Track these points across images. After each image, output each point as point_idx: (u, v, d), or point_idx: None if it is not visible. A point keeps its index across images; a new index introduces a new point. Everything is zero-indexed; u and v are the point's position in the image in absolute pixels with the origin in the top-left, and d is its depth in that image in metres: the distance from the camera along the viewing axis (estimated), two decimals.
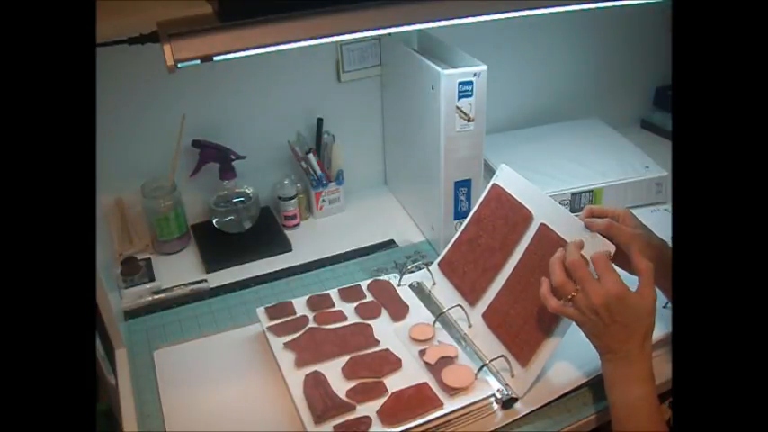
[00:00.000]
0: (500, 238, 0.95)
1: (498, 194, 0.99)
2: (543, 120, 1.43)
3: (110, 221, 1.16)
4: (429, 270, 1.01)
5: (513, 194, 0.97)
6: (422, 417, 0.77)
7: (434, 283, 1.00)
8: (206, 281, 1.07)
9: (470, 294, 0.94)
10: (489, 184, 1.01)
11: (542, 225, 0.90)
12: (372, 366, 0.85)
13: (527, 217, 0.93)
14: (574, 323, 0.78)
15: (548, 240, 0.88)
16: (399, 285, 1.01)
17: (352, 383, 0.83)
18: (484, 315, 0.91)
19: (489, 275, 0.94)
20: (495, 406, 0.81)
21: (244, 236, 1.19)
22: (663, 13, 1.30)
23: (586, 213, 0.84)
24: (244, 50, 0.74)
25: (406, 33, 1.12)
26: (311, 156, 1.19)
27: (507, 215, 0.96)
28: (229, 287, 1.06)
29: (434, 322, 0.92)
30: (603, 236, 0.79)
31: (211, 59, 0.72)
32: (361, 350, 0.88)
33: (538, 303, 0.84)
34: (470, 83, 0.96)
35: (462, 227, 1.02)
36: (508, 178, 0.98)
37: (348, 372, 0.84)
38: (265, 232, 1.20)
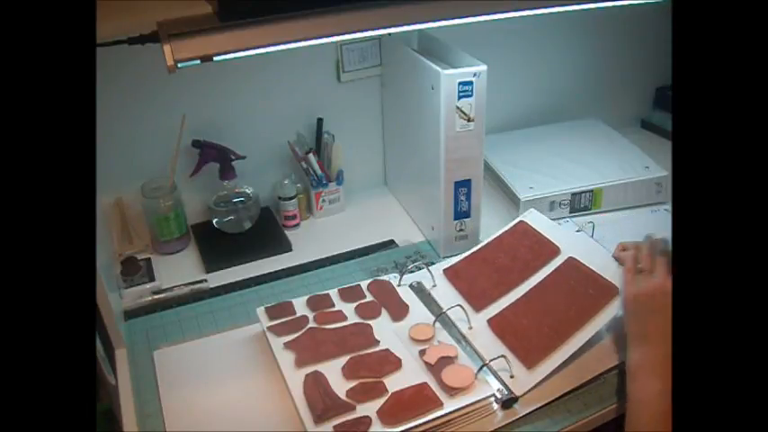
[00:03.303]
0: (521, 262, 0.99)
1: (525, 229, 1.04)
2: (543, 120, 1.43)
3: (110, 221, 1.16)
4: (429, 270, 1.01)
5: (540, 231, 1.02)
6: (422, 417, 0.77)
7: (434, 285, 1.00)
8: (206, 281, 1.07)
9: (478, 301, 0.95)
10: (516, 220, 1.06)
11: (570, 257, 0.95)
12: (372, 366, 0.85)
13: (554, 251, 0.98)
14: (591, 337, 0.83)
15: (575, 270, 0.93)
16: (399, 285, 1.01)
17: (352, 383, 0.83)
18: (490, 321, 0.92)
19: (502, 289, 0.96)
20: (495, 406, 0.81)
21: (244, 236, 1.19)
22: (663, 13, 1.31)
23: (619, 248, 0.91)
24: (244, 50, 0.74)
25: (406, 33, 1.12)
26: (311, 156, 1.19)
27: (533, 246, 1.01)
28: (229, 287, 1.06)
29: (434, 322, 0.92)
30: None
31: (211, 59, 0.72)
32: (361, 350, 0.88)
33: (558, 319, 0.87)
34: (470, 83, 0.96)
35: (479, 245, 1.05)
36: (536, 219, 1.04)
37: (348, 372, 0.84)
38: (265, 232, 1.20)
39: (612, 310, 0.86)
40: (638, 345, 0.78)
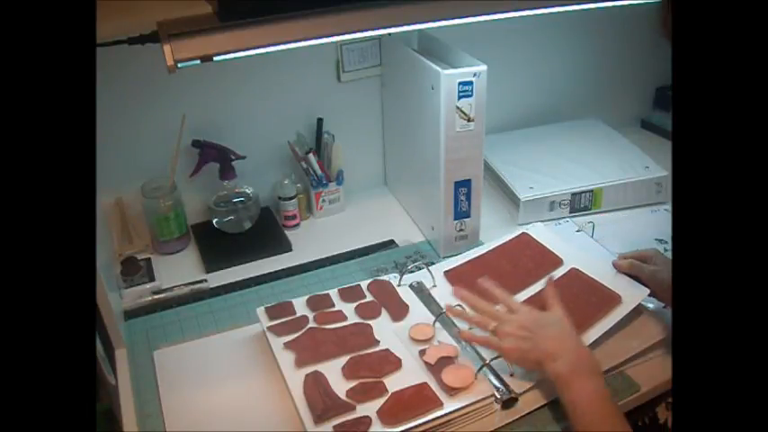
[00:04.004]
0: (524, 270, 1.00)
1: (528, 240, 1.06)
2: (543, 120, 1.43)
3: (110, 221, 1.16)
4: (429, 270, 1.01)
5: (543, 243, 1.04)
6: (422, 417, 0.77)
7: (434, 285, 1.00)
8: (206, 281, 1.07)
9: None
10: (518, 232, 1.08)
11: (573, 268, 0.97)
12: (372, 366, 0.85)
13: (557, 262, 1.00)
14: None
15: (578, 279, 0.95)
16: (399, 285, 1.01)
17: (352, 383, 0.83)
18: None
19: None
20: (496, 406, 0.81)
21: (244, 236, 1.19)
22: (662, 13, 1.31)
23: (619, 257, 0.96)
24: (244, 50, 0.74)
25: (406, 33, 1.12)
26: (311, 156, 1.19)
27: (535, 256, 1.02)
28: (229, 287, 1.06)
29: (434, 322, 0.92)
30: (628, 275, 0.93)
31: (211, 59, 0.72)
32: (361, 350, 0.88)
33: None
34: (470, 83, 0.96)
35: (481, 251, 1.06)
36: (539, 232, 1.06)
37: (348, 372, 0.84)
38: (265, 232, 1.20)
39: (615, 317, 0.87)
40: (551, 360, 0.77)
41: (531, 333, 0.80)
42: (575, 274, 0.96)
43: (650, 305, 0.93)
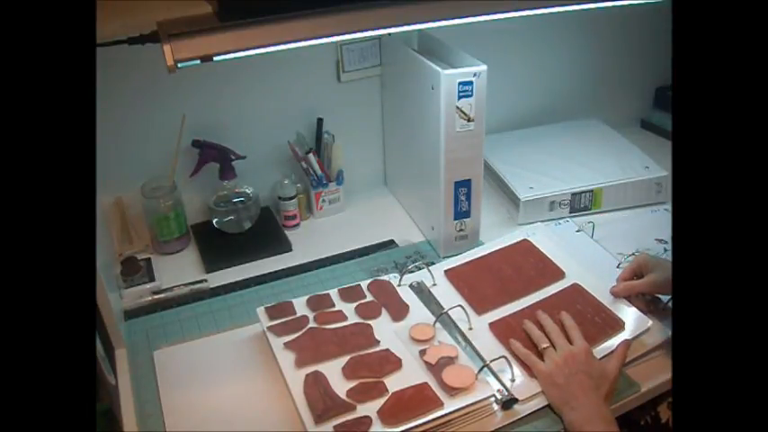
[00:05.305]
0: (526, 276, 1.00)
1: (529, 247, 1.05)
2: (543, 120, 1.43)
3: (110, 221, 1.16)
4: (429, 270, 1.01)
5: (545, 253, 1.03)
6: (422, 417, 0.77)
7: (435, 284, 1.00)
8: (206, 281, 1.07)
9: (479, 304, 0.96)
10: (519, 238, 1.08)
11: (575, 284, 0.97)
12: (372, 366, 0.85)
13: (559, 273, 0.99)
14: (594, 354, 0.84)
15: (581, 296, 0.95)
16: (399, 285, 1.01)
17: (353, 383, 0.83)
18: (492, 325, 0.92)
19: (505, 298, 0.97)
20: (496, 406, 0.81)
21: (244, 236, 1.19)
22: (663, 13, 1.31)
23: (618, 280, 0.96)
24: (244, 50, 0.74)
25: (406, 33, 1.12)
26: (311, 156, 1.19)
27: (537, 264, 1.02)
28: (229, 287, 1.06)
29: (435, 322, 0.92)
30: (627, 298, 0.93)
31: (211, 59, 0.72)
32: (361, 350, 0.88)
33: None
34: (470, 83, 0.96)
35: (482, 252, 1.06)
36: (540, 240, 1.06)
37: (348, 372, 0.84)
38: (265, 232, 1.20)
39: (616, 342, 0.86)
40: (570, 408, 0.78)
41: (570, 371, 0.80)
42: (578, 289, 0.96)
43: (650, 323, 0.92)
